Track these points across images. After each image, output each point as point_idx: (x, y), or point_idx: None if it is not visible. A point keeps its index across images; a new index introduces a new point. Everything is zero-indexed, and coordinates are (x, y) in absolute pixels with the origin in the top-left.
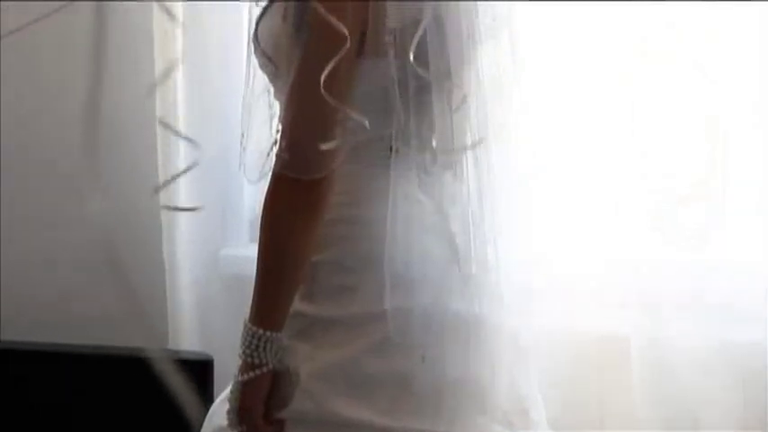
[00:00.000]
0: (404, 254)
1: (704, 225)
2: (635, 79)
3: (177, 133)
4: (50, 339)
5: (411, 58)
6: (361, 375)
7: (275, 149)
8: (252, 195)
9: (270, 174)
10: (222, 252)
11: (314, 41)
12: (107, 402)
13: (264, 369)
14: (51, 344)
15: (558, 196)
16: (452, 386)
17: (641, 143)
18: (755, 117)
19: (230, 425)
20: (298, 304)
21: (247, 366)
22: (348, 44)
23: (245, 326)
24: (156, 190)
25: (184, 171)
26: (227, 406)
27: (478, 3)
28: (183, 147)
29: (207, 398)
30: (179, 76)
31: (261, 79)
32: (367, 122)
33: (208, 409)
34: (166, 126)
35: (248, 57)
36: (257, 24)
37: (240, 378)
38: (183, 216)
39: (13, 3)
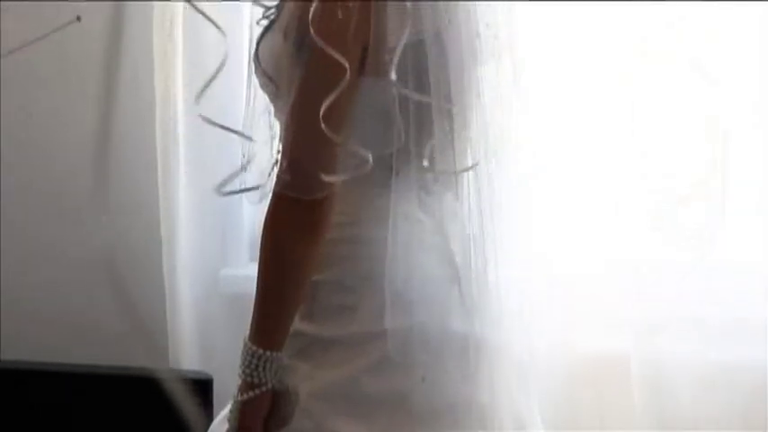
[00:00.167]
0: (404, 273)
1: (704, 225)
2: (635, 79)
3: (228, 129)
4: (51, 359)
5: (393, 76)
6: (360, 395)
7: (276, 170)
8: (252, 215)
9: (270, 194)
10: (222, 272)
11: (314, 65)
12: (108, 421)
13: (264, 388)
14: (52, 363)
15: (558, 205)
16: (452, 406)
17: (641, 143)
18: (755, 117)
19: None
20: (298, 324)
21: (247, 386)
22: (348, 75)
23: (245, 345)
24: (220, 186)
25: (245, 165)
26: (226, 425)
27: (480, 22)
28: (183, 166)
29: (206, 417)
30: (178, 96)
31: (261, 99)
32: (370, 156)
33: (207, 429)
34: (211, 122)
35: (249, 77)
36: (258, 44)
37: (240, 397)
38: (183, 235)
39: (13, 23)
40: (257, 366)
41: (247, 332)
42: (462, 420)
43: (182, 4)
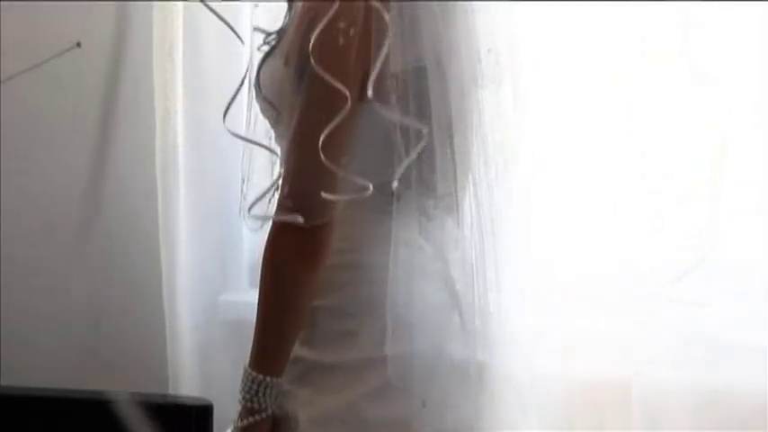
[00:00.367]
0: (405, 299)
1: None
2: (634, 80)
3: (256, 143)
4: (51, 385)
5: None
6: (360, 421)
7: (276, 195)
8: (252, 240)
9: (271, 220)
10: (222, 297)
11: (315, 92)
12: None
13: (264, 414)
14: (51, 389)
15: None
16: None
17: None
18: (755, 117)
19: None
20: (298, 349)
21: (247, 411)
22: (349, 103)
23: (245, 371)
24: (242, 210)
25: (273, 184)
26: None
27: (481, 47)
28: (183, 191)
29: None
30: (178, 121)
31: (262, 124)
32: (371, 185)
33: None
34: (239, 137)
35: (249, 102)
36: (259, 70)
37: (240, 423)
38: (183, 261)
39: (12, 49)
40: (257, 392)
41: (247, 358)
42: None
43: (182, 27)
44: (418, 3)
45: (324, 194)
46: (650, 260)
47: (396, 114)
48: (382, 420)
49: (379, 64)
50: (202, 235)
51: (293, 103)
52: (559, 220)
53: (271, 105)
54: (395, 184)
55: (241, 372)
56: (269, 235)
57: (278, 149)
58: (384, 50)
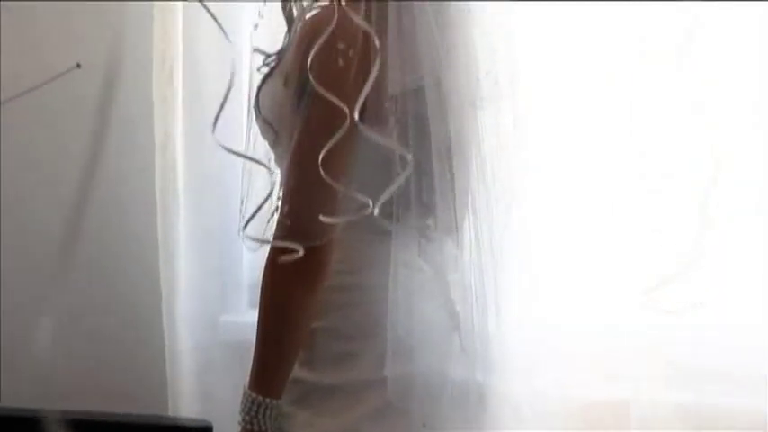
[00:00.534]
0: (405, 321)
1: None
2: (635, 104)
3: (249, 158)
4: (49, 406)
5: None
6: None
7: (276, 216)
8: (251, 261)
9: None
10: (222, 318)
11: (315, 111)
12: None
13: None
14: (50, 410)
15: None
16: None
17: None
18: (755, 117)
19: None
20: (297, 371)
21: None
22: (348, 121)
23: (245, 392)
24: (241, 231)
25: (266, 200)
26: None
27: (480, 69)
28: (182, 212)
29: None
30: (178, 143)
31: (261, 146)
32: (370, 202)
33: None
34: (232, 152)
35: (248, 124)
36: (258, 91)
37: None
38: (182, 281)
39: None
40: (257, 414)
41: (247, 379)
42: None
43: (181, 50)
44: (417, 25)
45: (323, 218)
46: (651, 281)
47: (380, 138)
48: None
49: (367, 87)
50: (202, 255)
51: (292, 124)
52: (559, 240)
53: (270, 127)
54: (375, 211)
55: (241, 393)
56: (268, 255)
57: (277, 171)
58: (374, 74)
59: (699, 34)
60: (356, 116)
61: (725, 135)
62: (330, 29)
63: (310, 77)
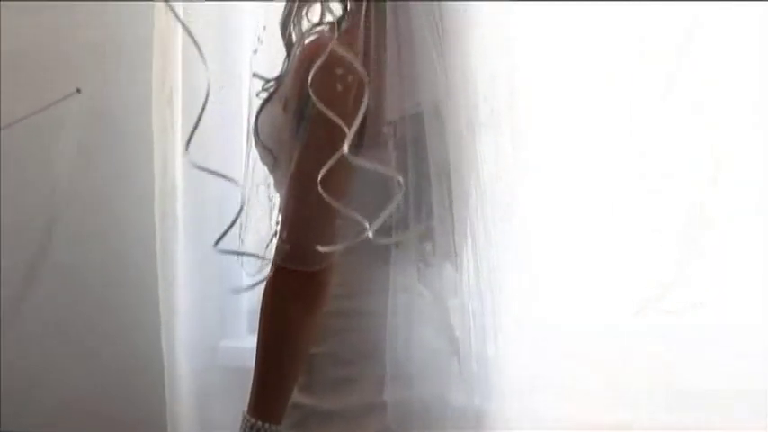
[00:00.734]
0: (404, 346)
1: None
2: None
3: (222, 176)
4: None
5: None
6: None
7: (275, 241)
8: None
9: (269, 265)
10: (221, 343)
11: (314, 135)
12: None
13: None
14: None
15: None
16: None
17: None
18: (756, 117)
19: None
20: (296, 396)
21: None
22: (345, 143)
23: (244, 417)
24: (217, 241)
25: (236, 217)
26: None
27: (478, 94)
28: (182, 239)
29: None
30: (177, 168)
31: (260, 171)
32: (367, 224)
33: None
34: (206, 170)
35: (247, 149)
36: (257, 117)
37: None
38: (182, 307)
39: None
40: None
41: (246, 404)
42: None
43: (181, 73)
44: (416, 50)
45: (320, 248)
46: (650, 303)
47: (369, 163)
48: None
49: (359, 119)
50: (201, 281)
51: (291, 149)
52: (558, 265)
53: (269, 152)
54: (370, 234)
55: (240, 418)
56: (268, 280)
57: (276, 195)
58: (363, 105)
59: (699, 34)
60: (346, 146)
61: (725, 135)
62: (330, 54)
63: (312, 96)
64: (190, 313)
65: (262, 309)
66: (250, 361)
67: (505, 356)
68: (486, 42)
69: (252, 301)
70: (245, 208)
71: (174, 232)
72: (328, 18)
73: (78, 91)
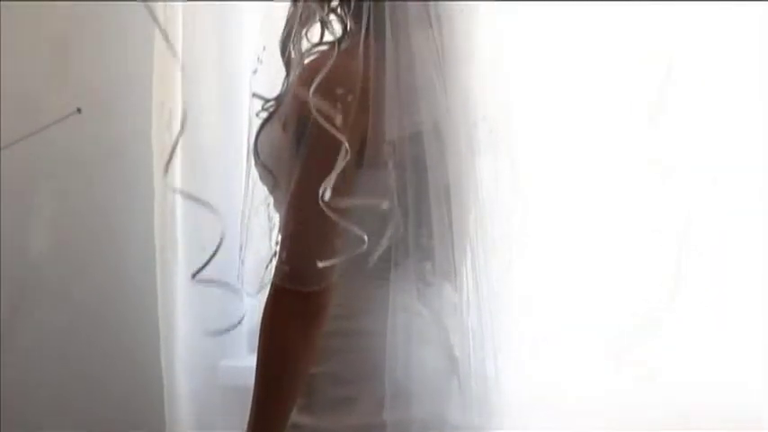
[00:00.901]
0: (403, 365)
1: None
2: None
3: (199, 202)
4: None
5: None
6: None
7: (275, 261)
8: (251, 307)
9: (269, 285)
10: (221, 363)
11: (314, 152)
12: None
13: None
14: None
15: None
16: None
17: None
18: (756, 117)
19: None
20: (296, 416)
21: None
22: (348, 155)
23: None
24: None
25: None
26: None
27: (477, 114)
28: (181, 258)
29: None
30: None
31: (260, 191)
32: (365, 237)
33: None
34: (185, 195)
35: (247, 168)
36: (257, 136)
37: None
38: (182, 326)
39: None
40: None
41: (245, 424)
42: None
43: (180, 94)
44: (416, 69)
45: (321, 263)
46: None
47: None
48: None
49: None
50: (201, 300)
51: (291, 169)
52: (557, 285)
53: (269, 172)
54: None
55: None
56: (267, 300)
57: (276, 216)
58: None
59: (698, 35)
60: (327, 195)
61: (725, 135)
62: (329, 73)
63: (313, 113)
64: (190, 332)
65: (261, 329)
66: (250, 380)
67: (505, 376)
68: (485, 62)
69: (252, 321)
70: (243, 229)
71: (173, 251)
72: (328, 38)
73: (78, 111)
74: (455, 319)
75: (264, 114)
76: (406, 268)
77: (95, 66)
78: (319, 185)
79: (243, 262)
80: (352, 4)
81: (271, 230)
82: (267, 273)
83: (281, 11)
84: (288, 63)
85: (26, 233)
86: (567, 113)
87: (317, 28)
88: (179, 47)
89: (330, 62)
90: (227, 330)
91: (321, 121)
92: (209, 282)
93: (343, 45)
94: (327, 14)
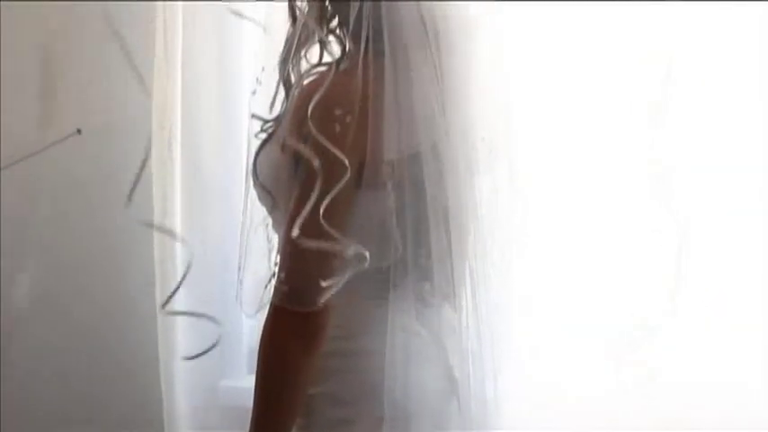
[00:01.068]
0: (402, 386)
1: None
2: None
3: (173, 235)
4: None
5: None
6: None
7: (273, 281)
8: (250, 326)
9: (268, 305)
10: (221, 383)
11: (313, 173)
12: None
13: None
14: None
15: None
16: None
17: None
18: (756, 117)
19: None
20: None
21: None
22: (348, 173)
23: None
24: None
25: (183, 279)
26: None
27: (477, 134)
28: (181, 276)
29: None
30: (176, 212)
31: (259, 211)
32: (368, 254)
33: None
34: (146, 224)
35: (246, 189)
36: (256, 157)
37: None
38: (181, 347)
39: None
40: None
41: None
42: None
43: (180, 116)
44: (414, 90)
45: (324, 283)
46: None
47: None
48: None
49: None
50: (200, 321)
51: (290, 189)
52: (557, 304)
53: (268, 192)
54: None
55: None
56: (266, 320)
57: (275, 236)
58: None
59: (697, 36)
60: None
61: (724, 136)
62: (328, 94)
63: (312, 131)
64: (189, 352)
65: (260, 349)
66: (250, 401)
67: (504, 397)
68: (484, 83)
69: (252, 341)
70: (242, 250)
71: (173, 271)
72: (327, 59)
73: (78, 132)
74: (454, 340)
75: (263, 135)
76: (405, 288)
77: (95, 86)
78: (318, 206)
79: (241, 282)
80: (351, 24)
81: (270, 251)
82: (266, 293)
83: (281, 32)
84: (287, 83)
85: (26, 255)
86: (566, 113)
87: (315, 48)
88: (179, 47)
89: (329, 83)
90: (201, 355)
91: (320, 141)
92: (180, 313)
93: (342, 66)
94: (326, 35)
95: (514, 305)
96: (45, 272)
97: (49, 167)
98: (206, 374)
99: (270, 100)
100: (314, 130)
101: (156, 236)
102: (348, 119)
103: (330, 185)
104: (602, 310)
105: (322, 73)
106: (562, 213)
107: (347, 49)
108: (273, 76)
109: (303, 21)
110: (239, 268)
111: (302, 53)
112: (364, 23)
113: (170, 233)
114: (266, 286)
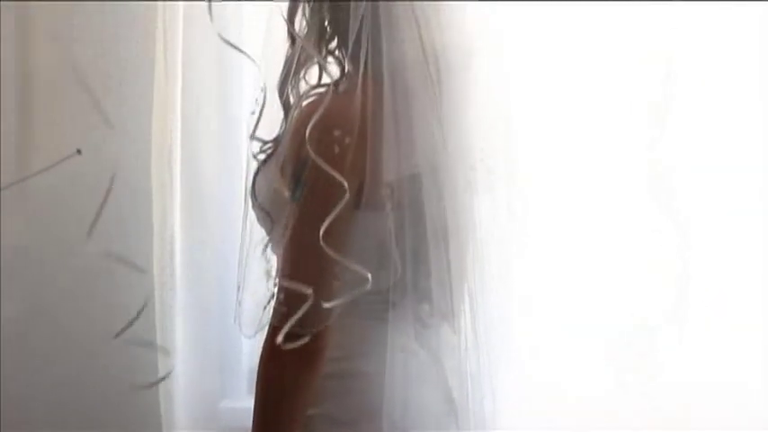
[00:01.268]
0: (401, 406)
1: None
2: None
3: (128, 263)
4: None
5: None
6: None
7: (272, 303)
8: (250, 347)
9: (267, 326)
10: (221, 404)
11: (312, 194)
12: None
13: None
14: None
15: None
16: None
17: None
18: (756, 117)
19: None
20: None
21: None
22: (347, 195)
23: None
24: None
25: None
26: None
27: (475, 155)
28: (180, 300)
29: None
30: (176, 228)
31: (258, 232)
32: (369, 275)
33: None
34: (110, 256)
35: (245, 211)
36: (254, 178)
37: None
38: (181, 367)
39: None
40: None
41: None
42: None
43: (179, 137)
44: (413, 112)
45: (326, 305)
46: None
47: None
48: None
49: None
50: (201, 341)
51: (289, 211)
52: (555, 325)
53: (266, 214)
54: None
55: None
56: (265, 341)
57: (274, 257)
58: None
59: (696, 38)
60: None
61: (723, 136)
62: (327, 116)
63: (311, 154)
64: (189, 373)
65: (259, 370)
66: (249, 421)
67: (503, 417)
68: (483, 103)
69: (252, 362)
70: (241, 271)
71: (172, 293)
72: (326, 80)
73: (79, 152)
74: (453, 361)
75: (262, 156)
76: (404, 309)
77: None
78: (317, 227)
79: (240, 303)
80: (350, 46)
81: (268, 272)
82: (265, 314)
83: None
84: (286, 105)
85: (27, 276)
86: (566, 113)
87: (315, 70)
88: (179, 47)
89: (327, 104)
90: (152, 386)
91: (319, 163)
92: (131, 342)
93: (341, 87)
94: (325, 57)
95: (514, 305)
96: (45, 289)
97: (49, 188)
98: (206, 395)
99: (269, 121)
100: (312, 152)
101: (156, 254)
102: (347, 140)
103: (329, 207)
104: (602, 311)
105: (321, 94)
106: (562, 214)
107: (346, 70)
108: (273, 96)
109: (302, 43)
110: (238, 289)
111: (301, 74)
112: (363, 45)
113: (131, 264)
114: (265, 307)
